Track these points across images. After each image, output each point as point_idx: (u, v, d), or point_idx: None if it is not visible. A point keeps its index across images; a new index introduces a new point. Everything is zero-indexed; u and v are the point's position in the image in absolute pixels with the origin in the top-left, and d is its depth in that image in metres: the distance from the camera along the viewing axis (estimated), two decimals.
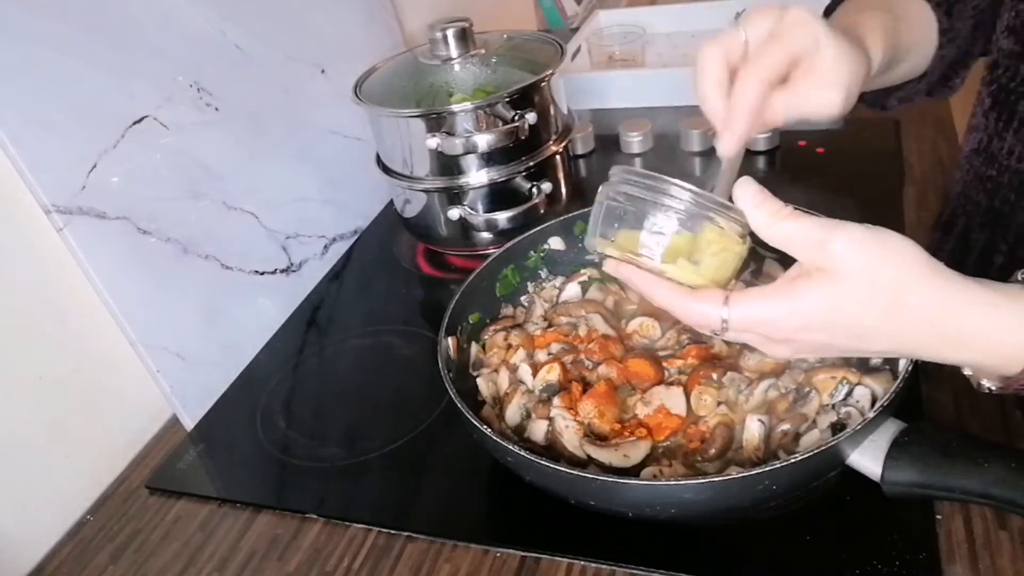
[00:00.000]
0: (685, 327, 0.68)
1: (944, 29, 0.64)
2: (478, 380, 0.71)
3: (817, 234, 0.44)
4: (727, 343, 0.66)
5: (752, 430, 0.58)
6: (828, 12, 0.66)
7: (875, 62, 0.56)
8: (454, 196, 0.93)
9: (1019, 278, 0.46)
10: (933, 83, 0.70)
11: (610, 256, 0.52)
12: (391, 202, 1.07)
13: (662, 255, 0.49)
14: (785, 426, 0.59)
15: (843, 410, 0.58)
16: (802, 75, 0.50)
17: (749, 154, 1.07)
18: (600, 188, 0.54)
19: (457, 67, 0.94)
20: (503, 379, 0.69)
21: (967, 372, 0.50)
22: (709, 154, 1.10)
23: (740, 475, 0.50)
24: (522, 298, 0.81)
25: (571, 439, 0.61)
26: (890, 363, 0.60)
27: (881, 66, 0.57)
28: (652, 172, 0.50)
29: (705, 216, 0.49)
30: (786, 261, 0.75)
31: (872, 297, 0.43)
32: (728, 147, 0.51)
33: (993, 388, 0.48)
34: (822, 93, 0.50)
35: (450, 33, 0.93)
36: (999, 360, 0.45)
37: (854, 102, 0.53)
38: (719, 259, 0.49)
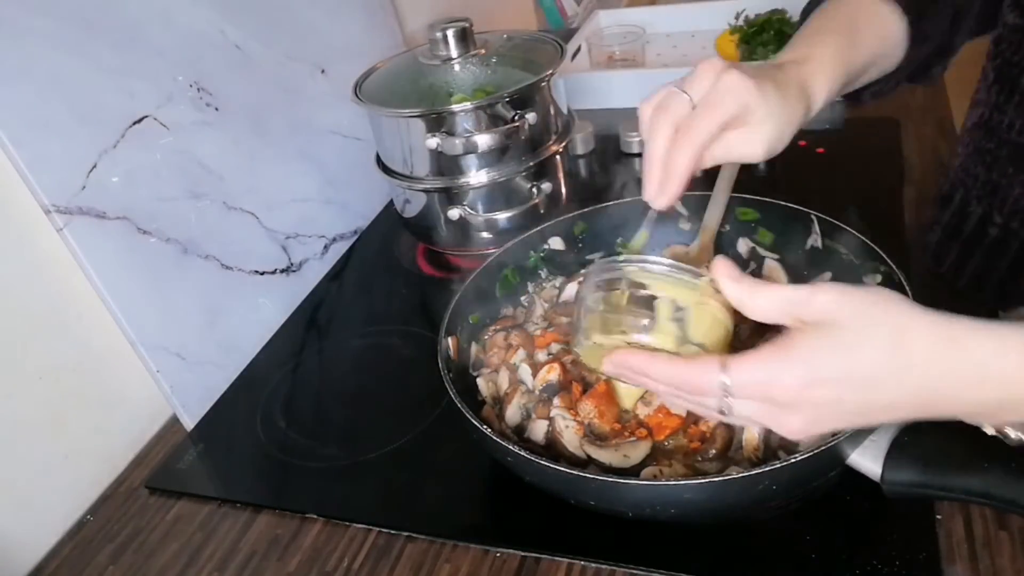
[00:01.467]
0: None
1: (913, 35, 0.64)
2: (478, 380, 0.71)
3: (799, 294, 0.43)
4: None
5: (752, 430, 0.58)
6: (804, 16, 0.66)
7: (818, 102, 0.58)
8: (454, 196, 0.93)
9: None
10: (911, 74, 0.69)
11: (598, 344, 0.51)
12: (391, 202, 1.08)
13: (648, 326, 0.49)
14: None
15: None
16: (731, 130, 0.53)
17: None
18: (577, 290, 0.54)
19: (457, 67, 0.94)
20: (503, 379, 0.69)
21: (989, 430, 0.48)
22: None
23: (740, 475, 0.51)
24: (522, 298, 0.81)
25: (571, 439, 0.61)
26: None
27: (830, 95, 0.59)
28: (622, 257, 0.52)
29: (681, 281, 0.49)
30: (785, 262, 0.77)
31: (872, 338, 0.42)
32: (661, 204, 0.55)
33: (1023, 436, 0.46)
34: (746, 146, 0.54)
35: (450, 33, 0.93)
36: (1019, 392, 0.41)
37: (783, 146, 0.56)
38: (706, 324, 0.48)
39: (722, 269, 0.46)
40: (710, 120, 0.52)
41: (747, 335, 0.63)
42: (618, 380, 0.55)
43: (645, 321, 0.49)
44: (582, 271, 0.80)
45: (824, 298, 0.42)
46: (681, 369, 0.46)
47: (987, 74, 0.69)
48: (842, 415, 0.44)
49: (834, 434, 0.54)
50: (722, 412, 0.45)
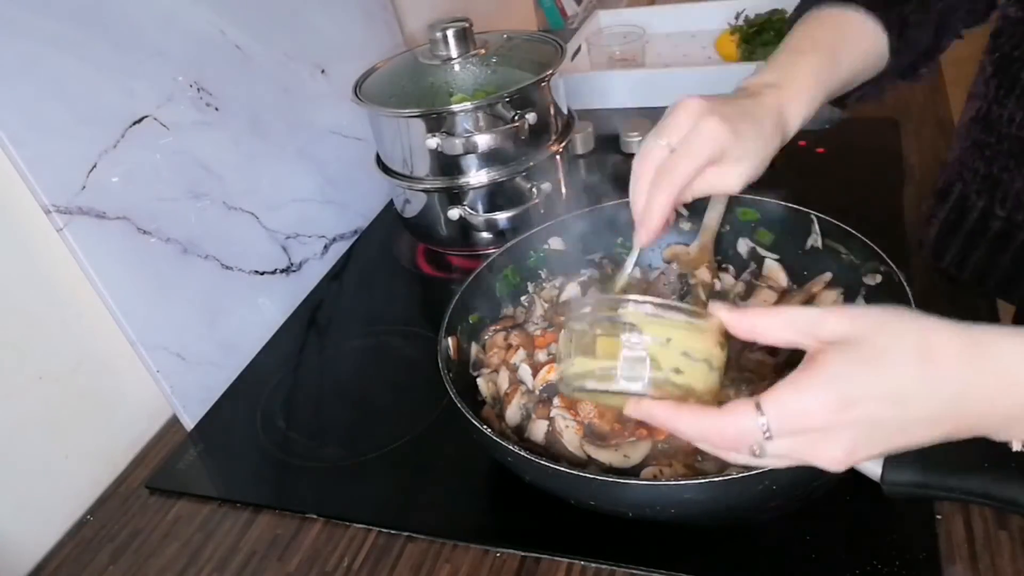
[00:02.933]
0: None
1: (896, 47, 0.64)
2: (478, 380, 0.71)
3: (810, 314, 0.43)
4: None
5: None
6: (789, 24, 0.67)
7: (793, 128, 0.60)
8: (454, 196, 0.93)
9: None
10: (898, 74, 0.69)
11: (588, 392, 0.49)
12: (391, 202, 1.08)
13: (648, 378, 0.46)
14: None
15: None
16: (708, 167, 0.56)
17: None
18: (561, 334, 0.52)
19: (457, 67, 0.94)
20: (503, 379, 0.69)
21: (1016, 445, 0.46)
22: None
23: (740, 475, 0.50)
24: (522, 298, 0.81)
25: (571, 439, 0.61)
26: None
27: (806, 119, 0.61)
28: (605, 297, 0.52)
29: (679, 323, 0.47)
30: (784, 262, 0.77)
31: (899, 350, 0.40)
32: (644, 240, 0.58)
33: None
34: (724, 180, 0.57)
35: (450, 33, 0.93)
36: None
37: (760, 174, 0.58)
38: (705, 365, 0.47)
39: (722, 309, 0.46)
40: (687, 165, 0.55)
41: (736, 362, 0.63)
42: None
43: (643, 377, 0.46)
44: (582, 271, 0.80)
45: (838, 318, 0.42)
46: (712, 420, 0.43)
47: (984, 68, 0.69)
48: (882, 436, 0.42)
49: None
50: (754, 454, 0.43)
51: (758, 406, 0.41)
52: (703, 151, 0.55)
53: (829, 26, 0.63)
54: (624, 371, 0.46)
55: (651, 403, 0.46)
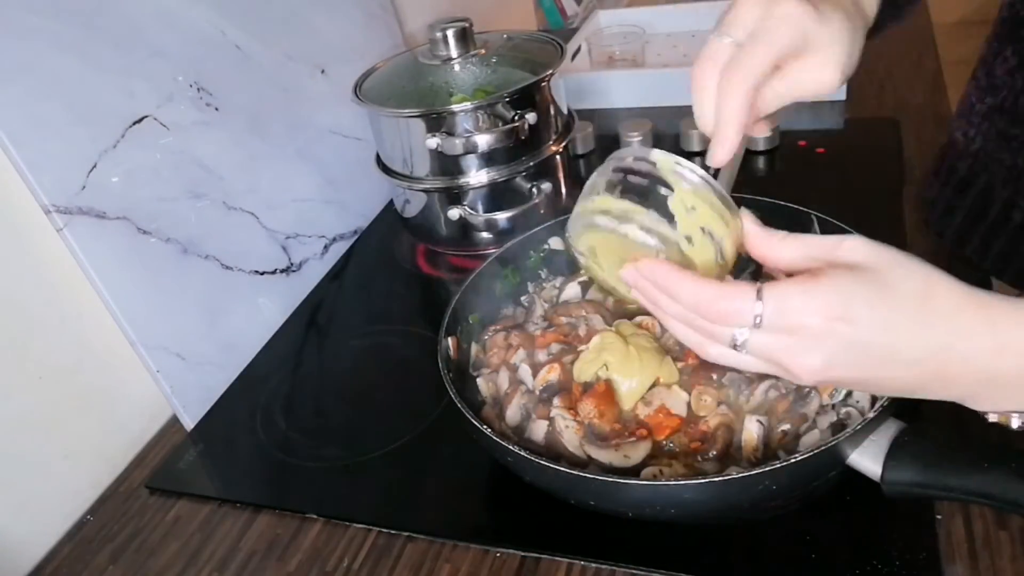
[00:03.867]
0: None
1: None
2: (478, 380, 0.71)
3: (827, 240, 0.43)
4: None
5: (751, 431, 0.58)
6: None
7: (871, 11, 0.53)
8: (454, 196, 0.93)
9: None
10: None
11: (597, 231, 0.47)
12: (391, 202, 1.08)
13: (664, 234, 0.45)
14: (785, 426, 0.59)
15: (843, 410, 0.58)
16: (793, 62, 0.48)
17: (750, 154, 1.07)
18: (596, 172, 0.49)
19: (457, 67, 0.94)
20: (503, 379, 0.69)
21: (992, 417, 0.45)
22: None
23: (740, 475, 0.50)
24: (522, 298, 0.81)
25: (571, 439, 0.61)
26: None
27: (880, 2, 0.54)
28: (658, 152, 0.47)
29: (715, 205, 0.46)
30: None
31: (905, 284, 0.41)
32: (718, 159, 0.50)
33: None
34: (818, 75, 0.48)
35: (450, 33, 0.93)
36: None
37: (854, 68, 0.50)
38: (715, 248, 0.46)
39: (749, 217, 0.46)
40: (762, 55, 0.46)
41: None
42: (627, 291, 0.49)
43: (659, 232, 0.45)
44: (582, 271, 0.80)
45: (854, 242, 0.42)
46: (713, 291, 0.42)
47: (1006, 58, 0.67)
48: (863, 361, 0.42)
49: (834, 435, 0.54)
50: (735, 346, 0.43)
51: (759, 292, 0.41)
52: (780, 37, 0.46)
53: None
54: (644, 220, 0.45)
55: (655, 262, 0.44)
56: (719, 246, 0.46)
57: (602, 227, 0.47)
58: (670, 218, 0.45)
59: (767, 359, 0.43)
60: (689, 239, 0.45)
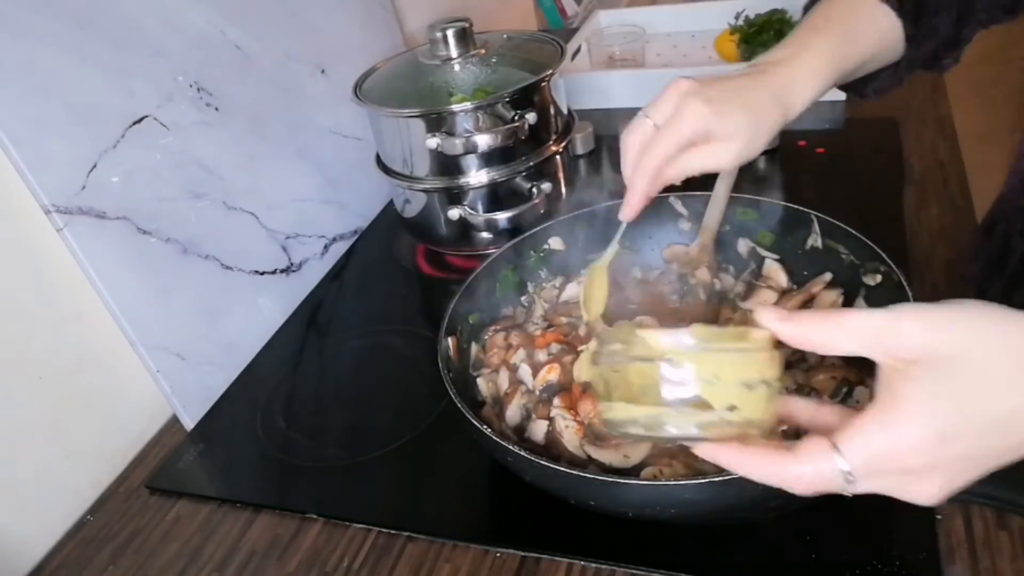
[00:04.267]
0: None
1: (909, 35, 0.63)
2: (478, 380, 0.71)
3: (876, 324, 0.37)
4: None
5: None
6: (804, 11, 0.66)
7: (798, 105, 0.60)
8: (454, 196, 0.93)
9: None
10: (920, 64, 0.66)
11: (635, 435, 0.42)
12: (391, 202, 1.08)
13: (699, 423, 0.40)
14: (785, 426, 0.58)
15: None
16: (702, 144, 0.57)
17: None
18: (585, 362, 0.46)
19: (457, 67, 0.94)
20: (503, 379, 0.69)
21: None
22: None
23: (740, 475, 0.50)
24: (522, 298, 0.81)
25: (571, 439, 0.61)
26: None
27: (816, 95, 0.61)
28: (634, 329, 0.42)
29: (727, 351, 0.40)
30: (784, 262, 0.76)
31: (993, 365, 0.35)
32: (626, 215, 0.60)
33: None
34: (713, 158, 0.58)
35: (450, 33, 0.93)
36: None
37: (756, 154, 0.59)
38: (763, 390, 0.40)
39: (770, 315, 0.39)
40: (667, 143, 0.56)
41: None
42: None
43: (692, 423, 0.40)
44: (582, 271, 0.80)
45: (911, 324, 0.36)
46: (790, 468, 0.39)
47: None
48: (980, 464, 0.37)
49: None
50: (845, 491, 0.39)
51: (835, 447, 0.37)
52: (684, 130, 0.56)
53: (844, 7, 0.63)
54: (672, 418, 0.40)
55: (714, 448, 0.41)
56: (765, 384, 0.40)
57: (636, 434, 0.42)
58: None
59: (882, 491, 0.39)
60: (732, 407, 0.39)
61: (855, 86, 0.68)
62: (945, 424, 0.35)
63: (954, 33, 0.65)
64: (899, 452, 0.36)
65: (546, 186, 0.95)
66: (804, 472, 0.38)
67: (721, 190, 0.76)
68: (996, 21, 0.66)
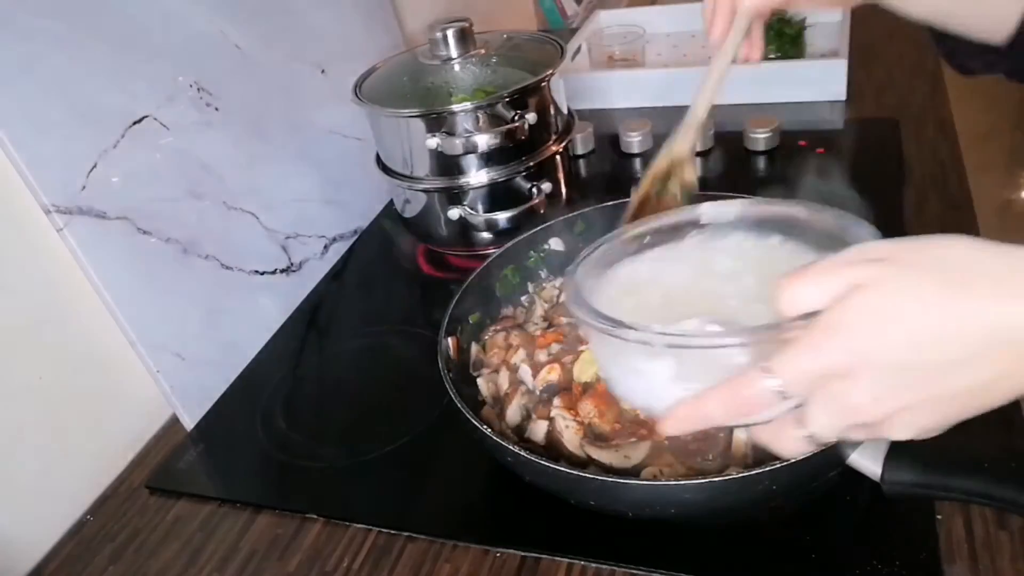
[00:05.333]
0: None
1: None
2: (478, 380, 0.71)
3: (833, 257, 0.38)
4: None
5: (739, 438, 0.58)
6: None
7: None
8: (454, 196, 0.93)
9: None
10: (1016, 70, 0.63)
11: None
12: (391, 202, 1.08)
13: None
14: None
15: None
16: None
17: (749, 154, 1.07)
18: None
19: (457, 67, 0.94)
20: (503, 379, 0.69)
21: None
22: (709, 154, 1.10)
23: (740, 475, 0.51)
24: (522, 298, 0.81)
25: (571, 439, 0.61)
26: None
27: None
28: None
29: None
30: None
31: (932, 262, 0.36)
32: (715, 35, 0.56)
33: None
34: None
35: (450, 33, 0.93)
36: None
37: None
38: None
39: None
40: None
41: None
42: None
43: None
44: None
45: (860, 248, 0.38)
46: (727, 390, 0.40)
47: None
48: (926, 382, 0.36)
49: None
50: (803, 431, 0.40)
51: (765, 369, 0.38)
52: None
53: None
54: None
55: (672, 415, 0.42)
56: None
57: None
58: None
59: (844, 426, 0.39)
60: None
61: (965, 58, 0.63)
62: (875, 315, 0.36)
63: None
64: (822, 359, 0.37)
65: (546, 186, 0.95)
66: (739, 391, 0.39)
67: (713, 77, 0.67)
68: None
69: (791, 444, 0.41)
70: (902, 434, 0.39)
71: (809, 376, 0.38)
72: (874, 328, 0.36)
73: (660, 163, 0.70)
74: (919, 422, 0.38)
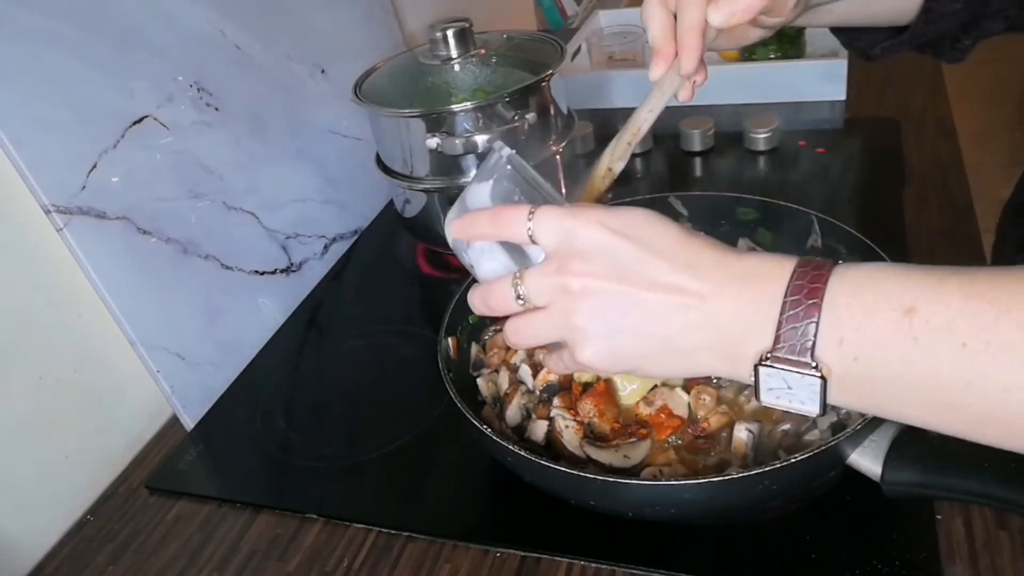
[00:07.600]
0: None
1: (927, 7, 0.59)
2: (478, 380, 0.71)
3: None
4: None
5: (740, 438, 0.58)
6: None
7: None
8: (454, 196, 0.92)
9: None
10: (931, 41, 0.63)
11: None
12: (391, 202, 1.08)
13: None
14: (786, 426, 0.59)
15: (843, 410, 0.58)
16: None
17: (750, 154, 1.07)
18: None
19: (457, 67, 0.94)
20: (503, 379, 0.69)
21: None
22: (709, 154, 1.10)
23: (740, 475, 0.50)
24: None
25: (571, 439, 0.61)
26: None
27: None
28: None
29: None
30: None
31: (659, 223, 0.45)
32: (687, 68, 0.55)
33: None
34: None
35: (450, 33, 0.93)
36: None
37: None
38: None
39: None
40: None
41: None
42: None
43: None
44: None
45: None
46: (492, 215, 0.51)
47: None
48: (625, 301, 0.43)
49: (834, 435, 0.54)
50: (519, 297, 0.47)
51: (531, 213, 0.47)
52: None
53: None
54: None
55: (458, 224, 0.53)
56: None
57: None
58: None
59: (552, 321, 0.46)
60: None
61: (865, 45, 0.65)
62: (617, 225, 0.44)
63: (972, 21, 0.61)
64: (573, 230, 0.45)
65: None
66: (504, 216, 0.49)
67: (644, 109, 0.63)
68: (1016, 27, 0.61)
69: (514, 235, 0.50)
70: (585, 354, 0.45)
71: (558, 232, 0.46)
72: (635, 223, 0.45)
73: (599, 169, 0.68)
74: (602, 348, 0.45)
